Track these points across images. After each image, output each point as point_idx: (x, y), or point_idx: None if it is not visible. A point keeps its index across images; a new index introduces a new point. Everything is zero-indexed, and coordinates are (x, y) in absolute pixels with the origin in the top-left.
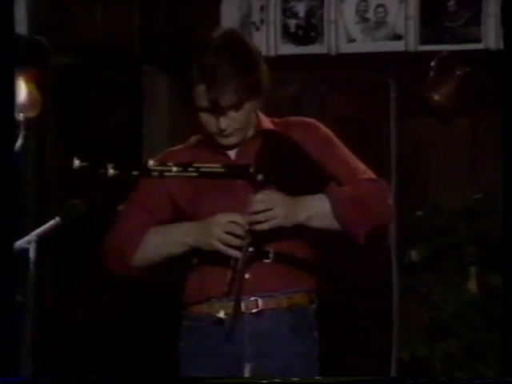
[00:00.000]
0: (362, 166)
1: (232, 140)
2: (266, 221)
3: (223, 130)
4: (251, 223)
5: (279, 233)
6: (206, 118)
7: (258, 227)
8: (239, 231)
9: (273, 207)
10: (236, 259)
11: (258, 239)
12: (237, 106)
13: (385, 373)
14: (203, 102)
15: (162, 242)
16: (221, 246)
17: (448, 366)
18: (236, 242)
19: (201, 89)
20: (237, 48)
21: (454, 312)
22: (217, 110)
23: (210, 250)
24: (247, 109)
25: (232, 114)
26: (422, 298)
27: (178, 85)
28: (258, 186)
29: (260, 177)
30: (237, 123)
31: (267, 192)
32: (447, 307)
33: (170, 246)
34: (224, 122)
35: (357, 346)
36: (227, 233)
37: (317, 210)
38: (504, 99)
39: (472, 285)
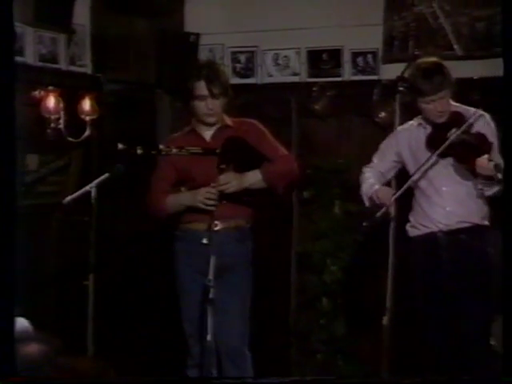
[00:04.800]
0: (281, 148)
1: (212, 119)
2: (227, 189)
3: (211, 109)
4: (219, 191)
5: (232, 192)
6: (200, 104)
7: (223, 192)
8: (212, 196)
9: (230, 181)
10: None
11: (223, 195)
12: (219, 95)
13: (287, 262)
14: (202, 91)
15: (174, 203)
16: (202, 206)
17: (323, 255)
18: (211, 202)
19: (201, 83)
20: (216, 64)
21: (327, 225)
22: (211, 95)
23: (197, 206)
24: (222, 101)
25: (215, 101)
26: (308, 217)
27: (182, 91)
28: (221, 160)
29: (220, 152)
30: (217, 107)
31: (227, 173)
32: (323, 222)
33: (178, 205)
34: (211, 104)
35: (271, 245)
36: (206, 198)
37: (254, 180)
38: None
39: (336, 210)
